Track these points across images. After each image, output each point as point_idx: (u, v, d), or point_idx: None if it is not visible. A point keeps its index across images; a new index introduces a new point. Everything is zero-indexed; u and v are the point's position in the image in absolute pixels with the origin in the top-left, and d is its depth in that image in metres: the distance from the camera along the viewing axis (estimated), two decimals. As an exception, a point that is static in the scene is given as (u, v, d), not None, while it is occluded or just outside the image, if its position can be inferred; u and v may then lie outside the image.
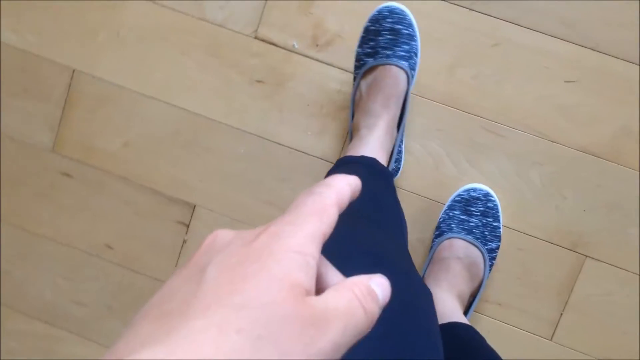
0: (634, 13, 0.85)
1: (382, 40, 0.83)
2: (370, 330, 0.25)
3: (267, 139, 0.94)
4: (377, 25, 0.83)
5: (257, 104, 0.94)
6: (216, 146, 0.95)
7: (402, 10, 0.84)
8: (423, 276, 0.88)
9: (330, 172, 0.78)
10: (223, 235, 0.26)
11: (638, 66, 0.85)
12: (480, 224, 0.86)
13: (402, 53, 0.82)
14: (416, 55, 0.84)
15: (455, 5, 0.87)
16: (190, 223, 0.97)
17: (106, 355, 0.21)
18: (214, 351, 0.20)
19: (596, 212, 0.88)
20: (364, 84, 0.84)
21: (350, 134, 0.86)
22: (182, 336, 0.20)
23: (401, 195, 0.91)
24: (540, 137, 0.88)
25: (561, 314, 0.90)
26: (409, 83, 0.83)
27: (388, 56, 0.82)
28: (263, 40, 0.92)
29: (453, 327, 0.77)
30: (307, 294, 0.23)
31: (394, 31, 0.83)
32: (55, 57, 0.97)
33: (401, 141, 0.87)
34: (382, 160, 0.78)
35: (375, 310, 0.25)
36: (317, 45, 0.91)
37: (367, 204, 0.64)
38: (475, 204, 0.87)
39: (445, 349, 0.56)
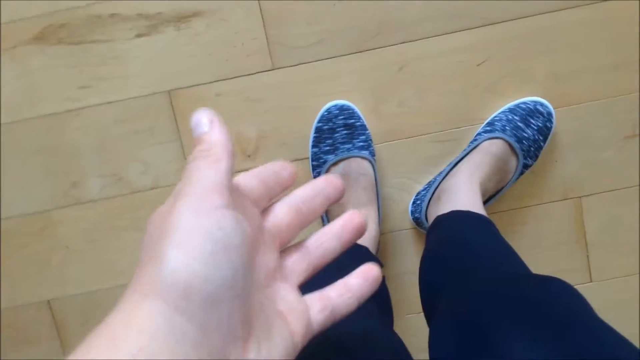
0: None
1: (339, 137, 0.86)
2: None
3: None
4: (331, 124, 0.87)
5: (227, 233, 0.93)
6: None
7: (350, 106, 0.88)
8: (456, 163, 0.87)
9: None
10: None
11: (531, 17, 0.87)
12: (532, 138, 0.86)
13: (361, 143, 0.87)
14: (372, 142, 0.89)
15: (345, 56, 0.88)
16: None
17: None
18: None
19: (565, 157, 0.91)
20: None
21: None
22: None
23: (392, 236, 0.93)
24: (484, 122, 0.90)
25: (587, 256, 0.94)
26: (374, 168, 0.87)
27: (349, 149, 0.86)
28: (199, 178, 0.92)
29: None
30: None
31: (348, 126, 0.87)
32: (28, 299, 0.95)
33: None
34: (373, 249, 0.80)
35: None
36: (249, 156, 0.91)
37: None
38: (537, 117, 0.87)
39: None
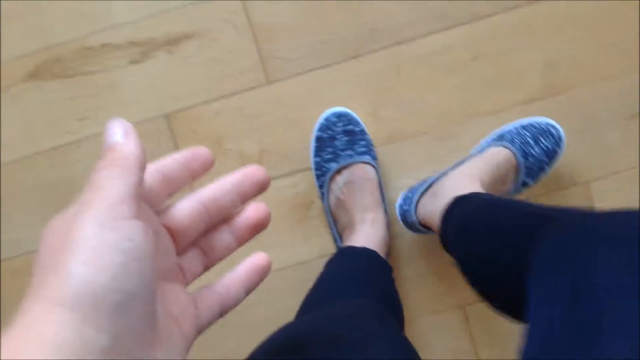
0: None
1: (340, 144, 0.86)
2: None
3: (267, 274, 0.93)
4: (330, 132, 0.87)
5: (236, 251, 0.93)
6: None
7: (348, 112, 0.87)
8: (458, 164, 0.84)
9: (331, 262, 0.79)
10: None
11: (519, 9, 0.86)
12: (539, 157, 0.85)
13: (362, 149, 0.86)
14: (373, 146, 0.88)
15: (339, 64, 0.88)
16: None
17: None
18: None
19: (570, 143, 0.90)
20: (336, 187, 0.86)
21: (339, 238, 0.87)
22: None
23: (401, 239, 0.92)
24: (486, 115, 0.89)
25: (603, 240, 0.92)
26: (377, 172, 0.86)
27: (351, 156, 0.86)
28: (205, 199, 0.92)
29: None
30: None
31: (348, 132, 0.86)
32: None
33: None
34: (382, 253, 0.79)
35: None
36: (252, 172, 0.91)
37: (370, 296, 0.67)
38: (548, 138, 0.85)
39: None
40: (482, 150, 0.84)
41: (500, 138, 0.86)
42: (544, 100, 0.89)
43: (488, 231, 0.57)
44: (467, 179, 0.78)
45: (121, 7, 0.88)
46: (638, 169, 0.90)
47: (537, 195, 0.91)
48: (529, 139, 0.84)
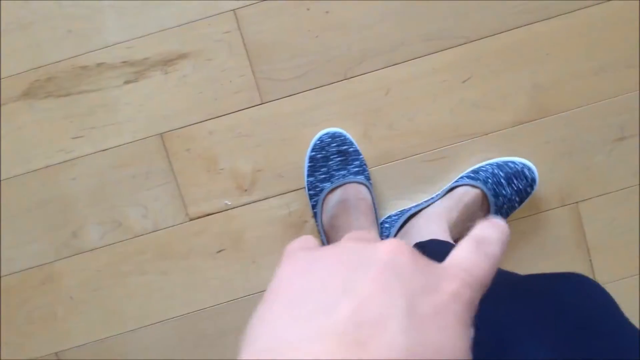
0: (476, -10, 0.88)
1: (334, 164, 0.88)
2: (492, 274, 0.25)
3: (261, 292, 0.94)
4: (324, 152, 0.88)
5: (230, 271, 0.94)
6: (227, 327, 0.95)
7: (342, 133, 0.89)
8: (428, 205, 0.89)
9: None
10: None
11: (507, 32, 0.88)
12: (509, 197, 0.88)
13: (356, 169, 0.88)
14: (366, 166, 0.90)
15: (331, 85, 0.89)
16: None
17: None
18: None
19: (558, 164, 0.92)
20: (329, 207, 0.87)
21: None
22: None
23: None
24: (474, 137, 0.91)
25: (590, 260, 0.94)
26: (371, 192, 0.88)
27: (344, 176, 0.87)
28: (199, 217, 0.92)
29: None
30: None
31: (341, 153, 0.88)
32: (34, 355, 0.95)
33: None
34: None
35: (496, 252, 0.25)
36: (245, 191, 0.92)
37: None
38: (521, 180, 0.88)
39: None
40: (453, 185, 0.88)
41: (475, 174, 0.88)
42: (532, 122, 0.90)
43: None
44: (434, 219, 0.84)
45: (115, 26, 0.88)
46: (626, 190, 0.92)
47: (525, 217, 0.93)
48: (502, 180, 0.88)
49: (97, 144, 0.90)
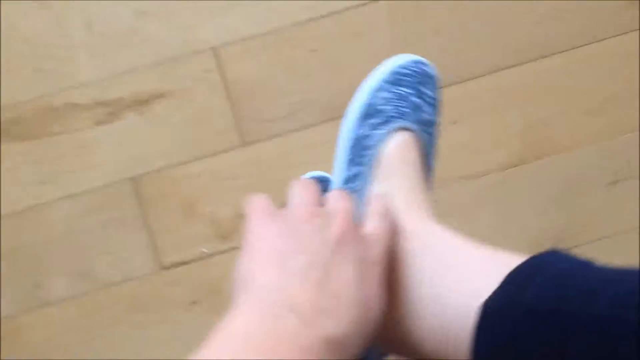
0: (465, 30, 0.86)
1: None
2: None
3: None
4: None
5: (206, 324, 0.88)
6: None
7: (327, 177, 0.79)
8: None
9: None
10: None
11: (498, 72, 0.87)
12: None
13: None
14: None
15: (320, 124, 0.86)
16: None
17: None
18: None
19: (557, 206, 0.89)
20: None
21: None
22: None
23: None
24: (464, 179, 0.88)
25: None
26: None
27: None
28: (173, 266, 0.87)
29: None
30: None
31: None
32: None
33: None
34: None
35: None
36: (224, 237, 0.87)
37: None
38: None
39: None
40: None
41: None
42: (524, 165, 0.88)
43: None
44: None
45: (88, 64, 0.84)
46: (619, 236, 0.89)
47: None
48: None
49: (65, 189, 0.85)
